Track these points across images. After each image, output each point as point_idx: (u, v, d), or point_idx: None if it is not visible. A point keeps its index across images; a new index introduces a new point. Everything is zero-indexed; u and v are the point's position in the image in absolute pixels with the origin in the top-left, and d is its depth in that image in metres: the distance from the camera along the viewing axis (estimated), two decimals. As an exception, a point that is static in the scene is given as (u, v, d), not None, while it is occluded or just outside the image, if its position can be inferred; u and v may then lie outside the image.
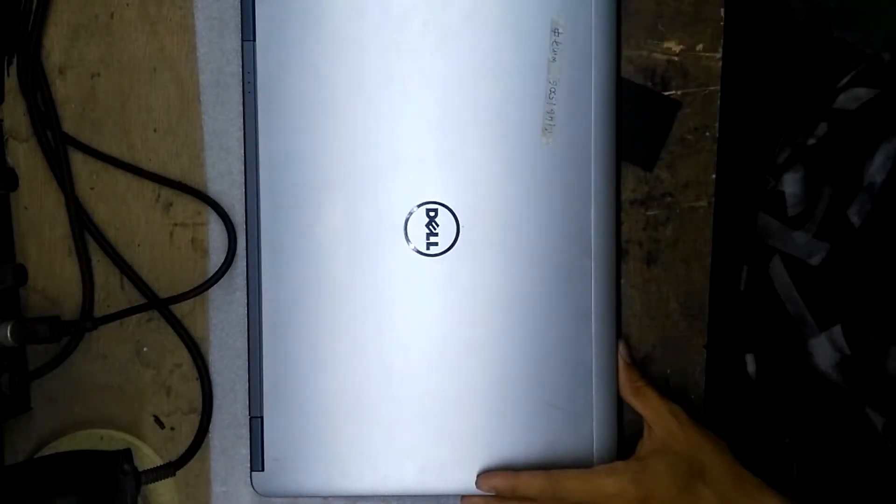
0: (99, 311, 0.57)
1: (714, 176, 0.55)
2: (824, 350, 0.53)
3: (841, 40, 0.73)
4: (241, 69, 0.54)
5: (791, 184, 0.59)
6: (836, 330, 0.52)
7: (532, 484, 0.51)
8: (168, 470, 0.52)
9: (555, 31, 0.51)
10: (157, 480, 0.52)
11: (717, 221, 0.56)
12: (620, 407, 0.55)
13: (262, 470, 0.53)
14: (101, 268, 0.57)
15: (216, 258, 0.56)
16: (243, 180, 0.54)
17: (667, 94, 0.55)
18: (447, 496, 0.56)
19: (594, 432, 0.53)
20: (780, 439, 0.63)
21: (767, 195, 0.61)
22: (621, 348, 0.54)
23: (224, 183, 0.56)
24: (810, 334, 0.54)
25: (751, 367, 0.61)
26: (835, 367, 0.52)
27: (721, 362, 0.60)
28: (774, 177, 0.61)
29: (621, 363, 0.53)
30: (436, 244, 0.52)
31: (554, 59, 0.51)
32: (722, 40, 0.55)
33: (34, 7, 0.55)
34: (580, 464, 0.53)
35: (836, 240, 0.53)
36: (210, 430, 0.57)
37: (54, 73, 0.56)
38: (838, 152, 0.57)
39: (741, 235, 0.64)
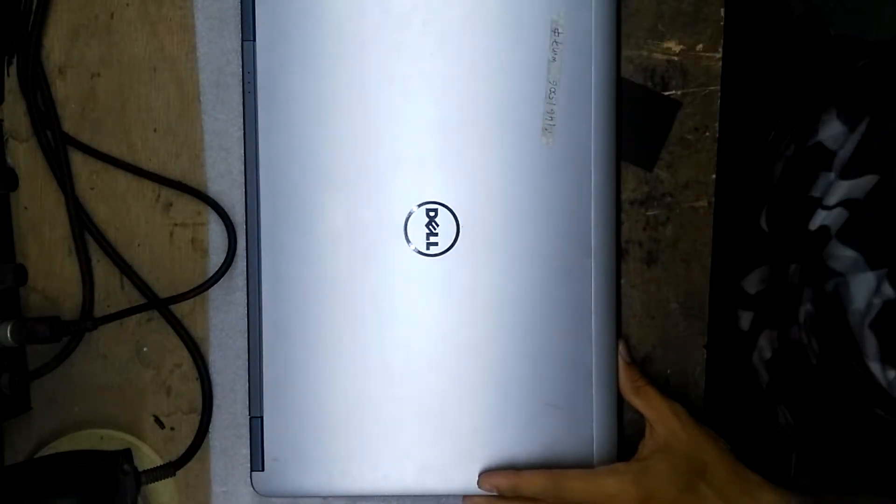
0: (99, 311, 0.57)
1: (714, 176, 0.55)
2: (864, 288, 0.51)
3: (841, 36, 0.73)
4: (241, 69, 0.54)
5: (828, 126, 0.57)
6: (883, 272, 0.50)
7: (534, 483, 0.51)
8: (168, 470, 0.52)
9: (555, 31, 0.51)
10: (157, 480, 0.52)
11: (717, 221, 0.56)
12: (620, 407, 0.55)
13: (262, 470, 0.53)
14: (101, 268, 0.57)
15: (216, 258, 0.56)
16: (243, 180, 0.54)
17: (667, 94, 0.55)
18: (447, 496, 0.56)
19: (594, 432, 0.53)
20: (776, 423, 0.63)
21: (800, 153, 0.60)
22: (621, 348, 0.54)
23: (224, 183, 0.56)
24: (854, 269, 0.52)
25: (752, 288, 0.60)
26: (867, 308, 0.50)
27: (721, 359, 0.60)
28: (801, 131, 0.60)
29: (621, 363, 0.53)
30: (436, 244, 0.52)
31: (554, 59, 0.51)
32: (722, 40, 0.55)
33: (34, 7, 0.55)
34: (580, 464, 0.53)
35: (884, 170, 0.52)
36: (210, 430, 0.57)
37: (54, 73, 0.56)
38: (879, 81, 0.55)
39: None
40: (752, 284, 0.64)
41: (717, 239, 0.56)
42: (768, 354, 0.62)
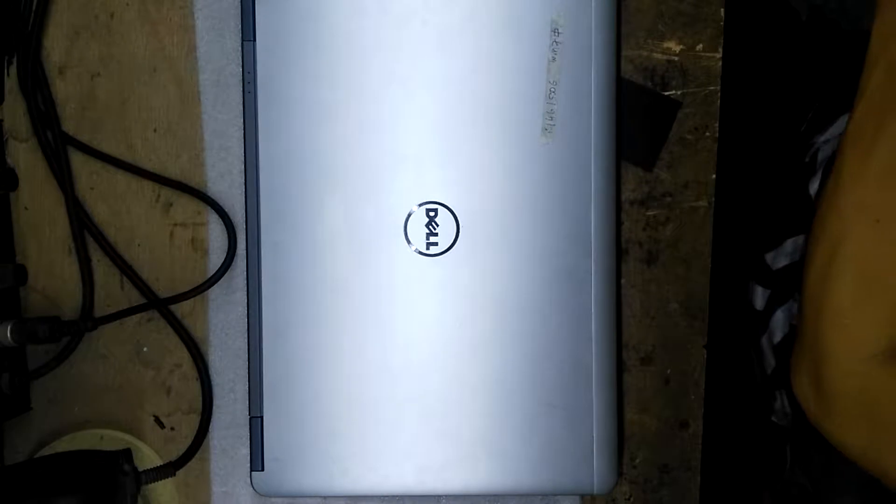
0: (99, 311, 0.57)
1: (714, 176, 0.55)
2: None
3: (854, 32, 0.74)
4: (241, 69, 0.54)
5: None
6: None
7: None
8: (168, 470, 0.52)
9: (555, 31, 0.51)
10: (157, 480, 0.52)
11: (717, 221, 0.56)
12: (621, 407, 0.55)
13: (262, 470, 0.53)
14: (101, 268, 0.57)
15: (216, 258, 0.56)
16: (243, 180, 0.54)
17: (667, 94, 0.55)
18: (447, 496, 0.56)
19: (594, 432, 0.53)
20: (772, 411, 0.63)
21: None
22: None
23: (224, 183, 0.56)
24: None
25: (780, 261, 0.62)
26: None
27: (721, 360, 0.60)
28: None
29: None
30: (436, 244, 0.52)
31: (554, 59, 0.51)
32: (722, 40, 0.55)
33: (34, 7, 0.55)
34: (580, 463, 0.53)
35: None
36: (210, 430, 0.57)
37: (54, 73, 0.56)
38: None
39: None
40: (782, 256, 0.63)
41: (716, 239, 0.56)
42: (779, 337, 0.62)
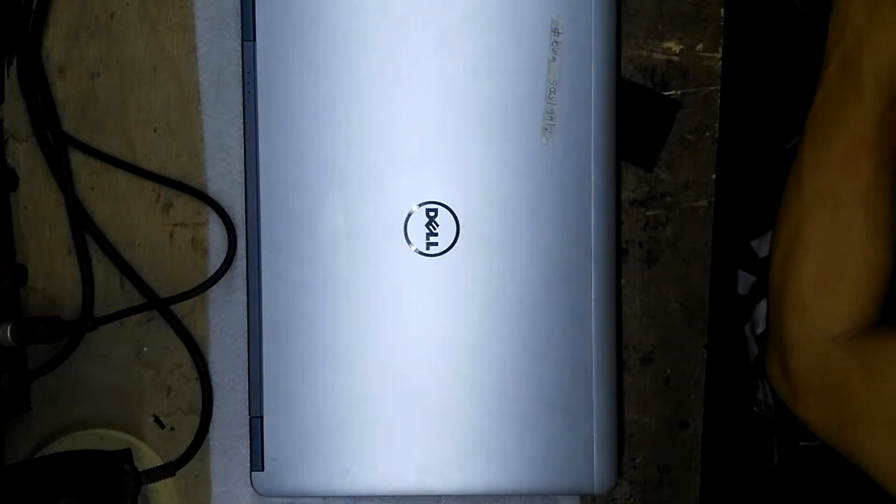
0: (99, 311, 0.57)
1: (714, 176, 0.55)
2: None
3: None
4: (241, 69, 0.54)
5: None
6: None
7: None
8: (168, 470, 0.52)
9: (555, 31, 0.51)
10: (157, 480, 0.52)
11: (717, 221, 0.56)
12: (621, 407, 0.55)
13: (262, 470, 0.53)
14: (101, 268, 0.57)
15: (216, 258, 0.56)
16: (243, 180, 0.54)
17: (667, 94, 0.55)
18: (447, 496, 0.56)
19: (594, 432, 0.53)
20: (755, 400, 0.63)
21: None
22: None
23: (224, 183, 0.56)
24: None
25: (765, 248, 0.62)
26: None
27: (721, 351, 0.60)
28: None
29: None
30: (436, 244, 0.52)
31: (554, 59, 0.51)
32: (722, 40, 0.55)
33: (34, 7, 0.55)
34: (580, 463, 0.53)
35: None
36: (210, 430, 0.57)
37: (54, 73, 0.56)
38: None
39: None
40: (766, 243, 0.64)
41: (716, 239, 0.56)
42: (761, 328, 0.62)
